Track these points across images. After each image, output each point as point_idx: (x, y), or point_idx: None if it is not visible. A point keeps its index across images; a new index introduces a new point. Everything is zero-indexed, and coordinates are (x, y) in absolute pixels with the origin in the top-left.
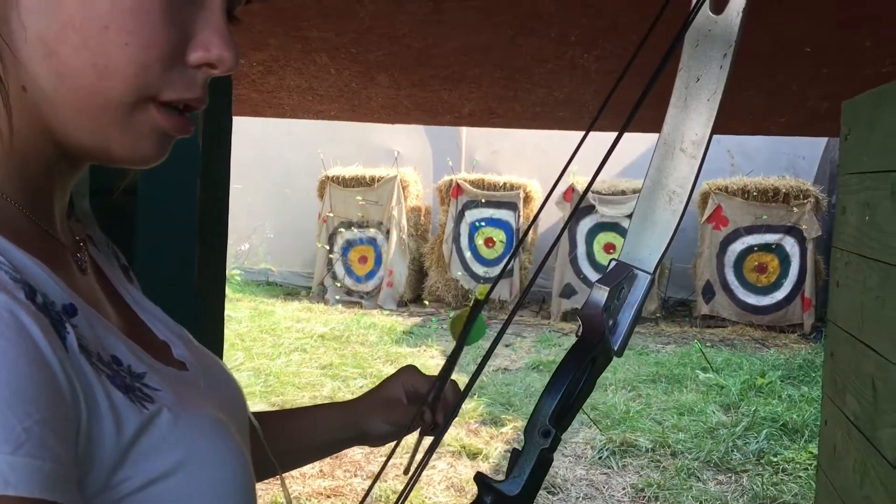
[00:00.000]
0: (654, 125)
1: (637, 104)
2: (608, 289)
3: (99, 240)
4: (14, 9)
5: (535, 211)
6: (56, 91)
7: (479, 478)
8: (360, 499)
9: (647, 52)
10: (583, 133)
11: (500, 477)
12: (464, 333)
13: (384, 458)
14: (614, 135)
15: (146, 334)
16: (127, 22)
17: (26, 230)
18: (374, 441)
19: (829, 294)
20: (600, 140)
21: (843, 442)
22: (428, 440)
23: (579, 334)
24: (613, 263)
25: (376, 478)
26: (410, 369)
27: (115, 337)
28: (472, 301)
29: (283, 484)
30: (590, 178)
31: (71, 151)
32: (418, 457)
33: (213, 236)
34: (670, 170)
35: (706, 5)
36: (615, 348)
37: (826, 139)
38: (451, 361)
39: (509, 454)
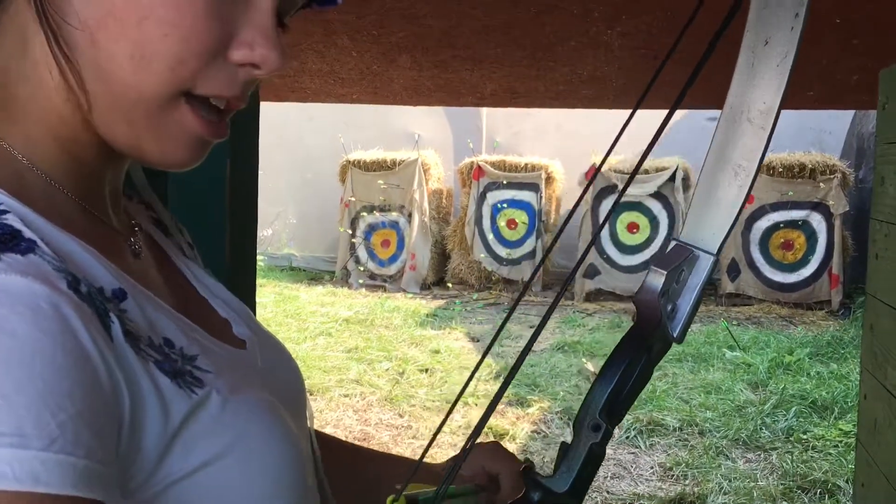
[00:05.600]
0: (684, 101)
1: (688, 83)
2: (665, 272)
3: (162, 216)
4: None
5: (558, 192)
6: (94, 82)
7: (526, 473)
8: None
9: (681, 26)
10: (606, 111)
11: (541, 463)
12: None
13: (412, 441)
14: (636, 113)
15: (206, 311)
16: (167, 12)
17: (76, 217)
18: None
19: (867, 266)
20: (623, 117)
21: (885, 415)
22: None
23: (634, 321)
24: (672, 244)
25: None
26: (493, 448)
27: (167, 318)
28: None
29: None
30: (613, 158)
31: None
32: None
33: (243, 218)
34: (736, 142)
35: None
36: (675, 334)
37: (853, 113)
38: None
39: (536, 436)
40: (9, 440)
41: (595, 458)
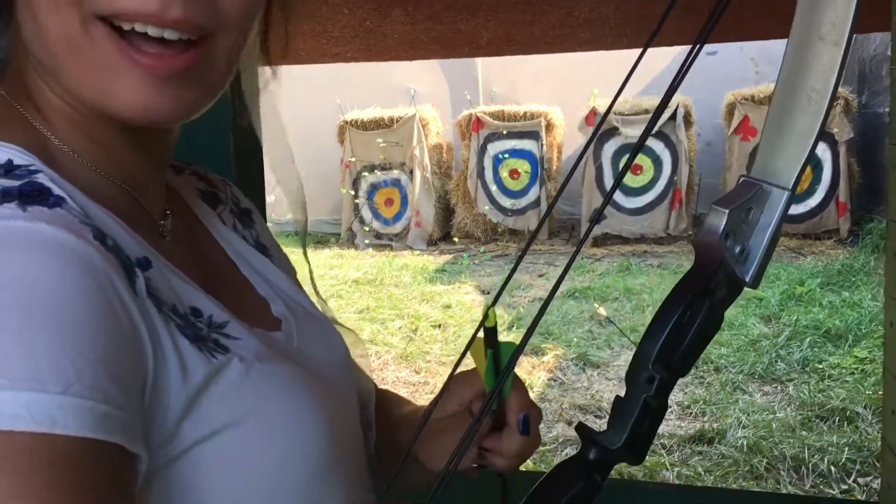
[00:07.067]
0: (681, 38)
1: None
2: (727, 211)
3: (212, 188)
4: None
5: (558, 139)
6: (41, 52)
7: (582, 429)
8: None
9: None
10: (603, 52)
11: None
12: (498, 374)
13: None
14: (634, 52)
15: (242, 291)
16: None
17: (107, 191)
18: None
19: (888, 191)
20: (620, 59)
21: None
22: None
23: (693, 265)
24: (740, 181)
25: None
26: (464, 380)
27: (194, 289)
28: (484, 330)
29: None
30: (611, 100)
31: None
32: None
33: (252, 189)
34: (809, 63)
35: None
36: (747, 278)
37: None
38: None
39: (553, 383)
40: (27, 384)
41: (652, 412)
